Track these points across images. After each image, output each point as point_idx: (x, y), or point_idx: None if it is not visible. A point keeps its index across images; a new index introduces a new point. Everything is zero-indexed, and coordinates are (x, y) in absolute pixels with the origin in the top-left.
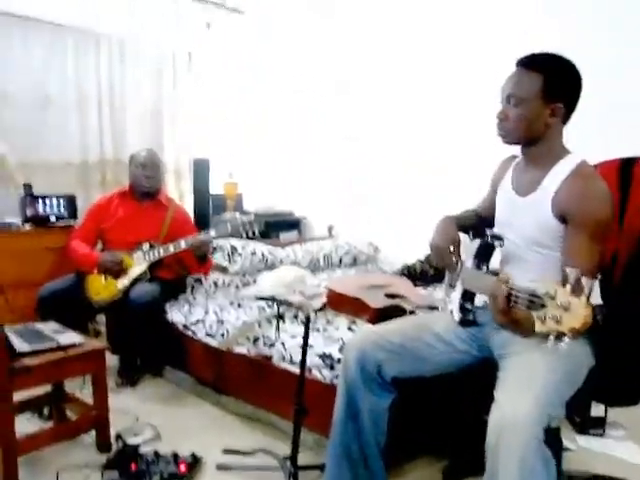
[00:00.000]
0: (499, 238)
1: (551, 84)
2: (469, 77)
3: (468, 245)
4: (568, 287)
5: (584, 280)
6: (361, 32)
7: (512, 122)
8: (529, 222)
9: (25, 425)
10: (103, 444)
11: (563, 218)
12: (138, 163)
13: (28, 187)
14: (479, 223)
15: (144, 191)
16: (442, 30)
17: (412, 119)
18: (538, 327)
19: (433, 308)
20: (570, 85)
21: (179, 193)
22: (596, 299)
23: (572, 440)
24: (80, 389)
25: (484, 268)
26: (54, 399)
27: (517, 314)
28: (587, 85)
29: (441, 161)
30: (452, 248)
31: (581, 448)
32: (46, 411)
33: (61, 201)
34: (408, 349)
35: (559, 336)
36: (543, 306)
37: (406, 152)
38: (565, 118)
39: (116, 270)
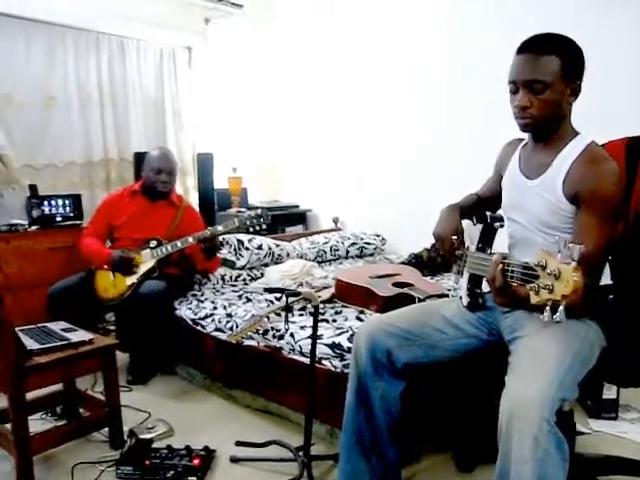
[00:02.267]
0: (499, 219)
1: (568, 64)
2: (471, 70)
3: (472, 230)
4: (558, 256)
5: (572, 246)
6: (362, 27)
7: (538, 108)
8: (539, 204)
9: (39, 424)
10: (116, 440)
11: (574, 199)
12: (154, 167)
13: (33, 188)
14: (481, 207)
15: (158, 193)
16: (442, 27)
17: (417, 110)
18: (533, 299)
19: (443, 296)
20: (582, 61)
21: (183, 189)
22: (607, 279)
23: (585, 424)
24: (91, 387)
25: (488, 251)
26: (66, 397)
27: (515, 290)
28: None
29: (446, 150)
30: (455, 237)
31: (594, 431)
32: (59, 410)
33: (67, 201)
34: (418, 335)
35: (554, 306)
36: (536, 277)
37: (411, 143)
38: (577, 96)
39: (127, 266)
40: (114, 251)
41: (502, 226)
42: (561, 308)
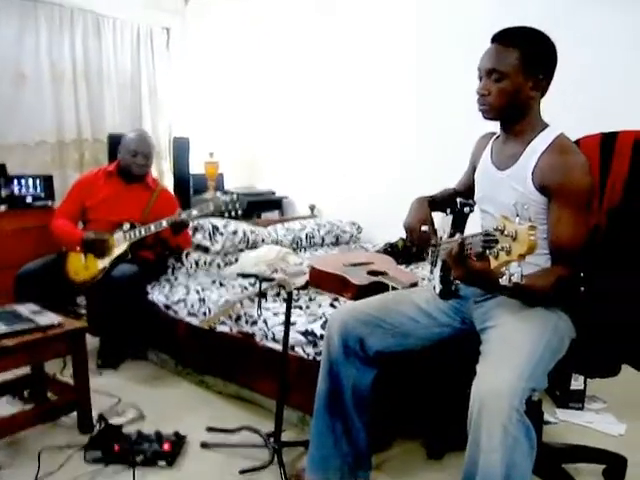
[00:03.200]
0: (468, 205)
1: (529, 57)
2: (455, 68)
3: (446, 221)
4: (517, 219)
5: (528, 207)
6: (340, 13)
7: (494, 97)
8: (510, 195)
9: (5, 408)
10: (85, 425)
11: (544, 191)
12: (130, 149)
13: (2, 167)
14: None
15: (133, 176)
16: (432, 27)
17: (394, 99)
18: (492, 264)
19: (416, 285)
20: (547, 57)
21: (158, 172)
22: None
23: (552, 414)
24: (60, 371)
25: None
26: (34, 381)
27: (473, 264)
28: (567, 60)
29: (423, 142)
30: (424, 227)
31: (561, 421)
32: (26, 393)
33: (37, 181)
34: (390, 323)
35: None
36: (496, 242)
37: (389, 134)
38: (544, 90)
39: (100, 248)
40: (87, 232)
41: (472, 211)
42: (519, 268)
